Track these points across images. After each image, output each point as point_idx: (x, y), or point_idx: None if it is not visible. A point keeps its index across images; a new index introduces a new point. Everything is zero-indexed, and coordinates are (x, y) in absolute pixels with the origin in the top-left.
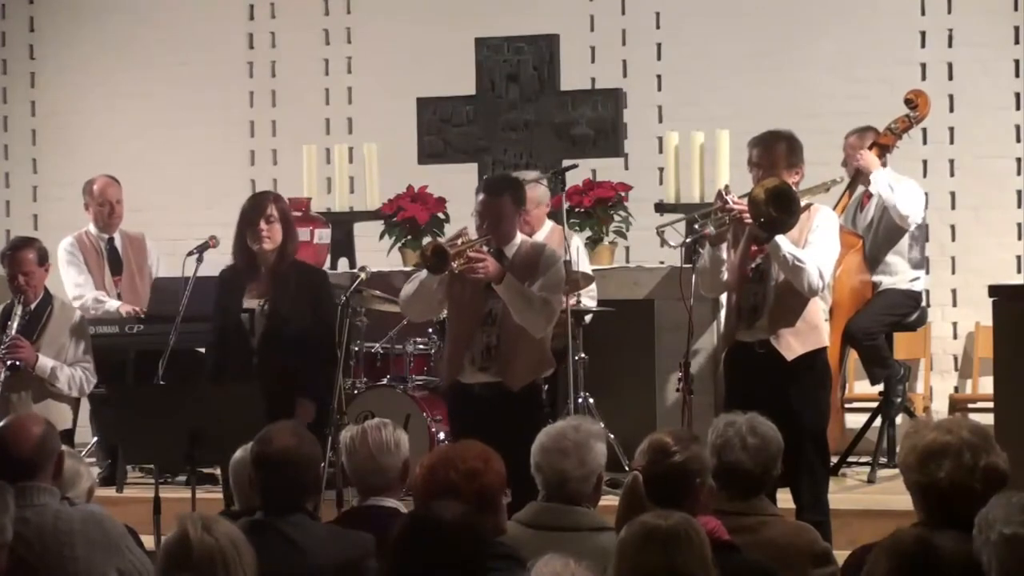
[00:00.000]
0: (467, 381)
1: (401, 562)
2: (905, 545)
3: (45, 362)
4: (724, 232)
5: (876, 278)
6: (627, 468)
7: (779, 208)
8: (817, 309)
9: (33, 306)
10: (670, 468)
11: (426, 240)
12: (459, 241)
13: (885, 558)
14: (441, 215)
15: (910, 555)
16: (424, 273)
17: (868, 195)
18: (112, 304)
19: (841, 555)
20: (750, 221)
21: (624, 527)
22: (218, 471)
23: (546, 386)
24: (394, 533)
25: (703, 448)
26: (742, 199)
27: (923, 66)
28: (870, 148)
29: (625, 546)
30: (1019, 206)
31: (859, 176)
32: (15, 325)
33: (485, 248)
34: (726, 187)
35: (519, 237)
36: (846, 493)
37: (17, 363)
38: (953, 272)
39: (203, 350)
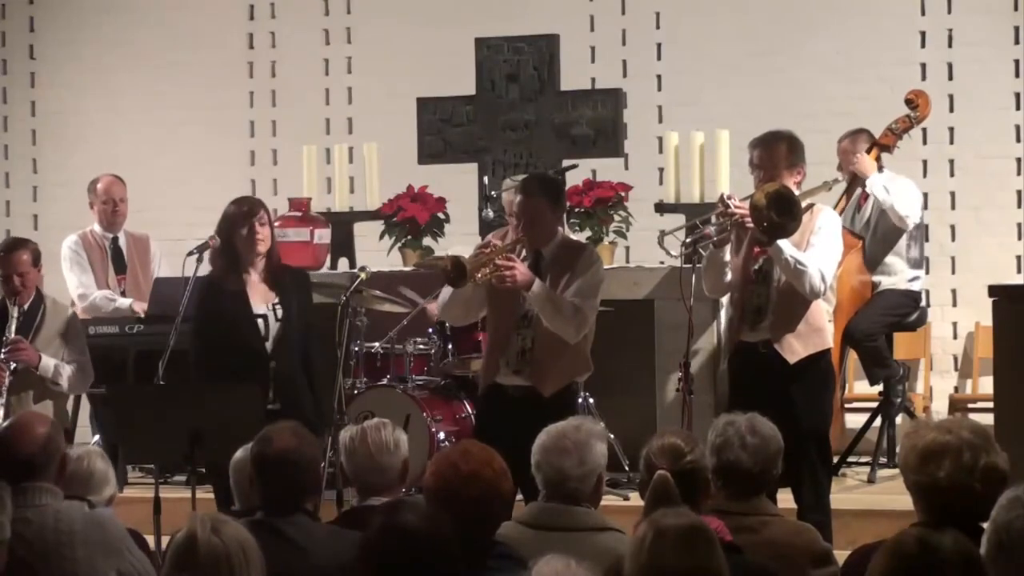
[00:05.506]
0: (502, 383)
1: (370, 568)
2: (906, 546)
3: (48, 362)
4: (727, 235)
5: (875, 278)
6: (627, 468)
7: (781, 212)
8: (820, 311)
9: (26, 307)
10: (688, 467)
11: (426, 241)
12: (488, 249)
13: (885, 558)
14: (441, 215)
15: (910, 555)
16: None
17: (865, 196)
18: (124, 302)
19: (841, 555)
20: (752, 226)
21: (638, 526)
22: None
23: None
24: (362, 539)
25: (704, 446)
26: (744, 202)
27: (923, 66)
28: (870, 149)
29: (639, 545)
30: (1019, 206)
31: (858, 177)
32: (13, 326)
33: (517, 252)
34: (725, 194)
35: (559, 235)
36: (846, 493)
37: (17, 364)
38: (953, 272)
39: None
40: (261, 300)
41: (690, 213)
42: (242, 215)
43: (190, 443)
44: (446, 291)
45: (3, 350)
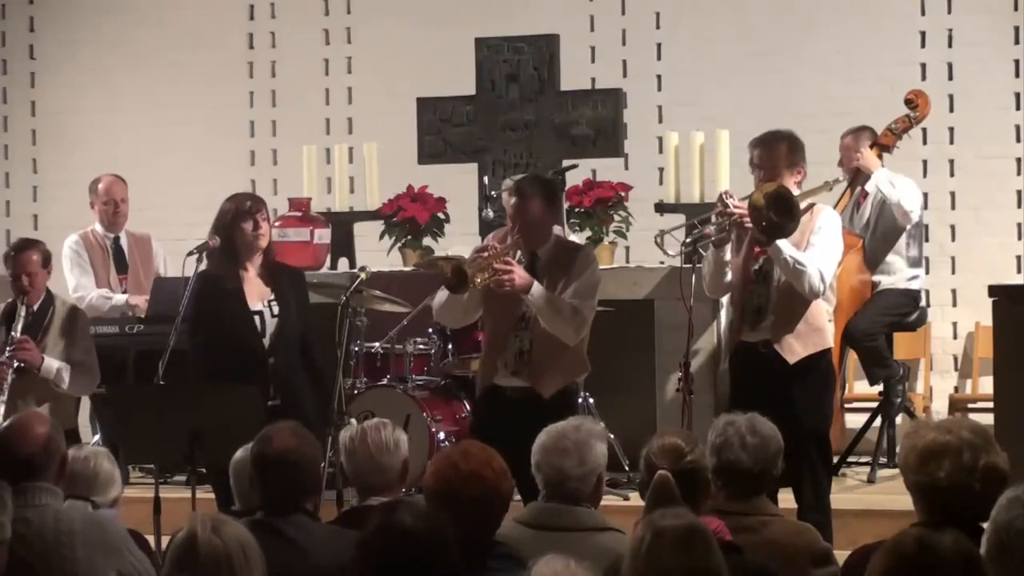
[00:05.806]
0: (500, 384)
1: (368, 568)
2: (906, 546)
3: (51, 363)
4: (726, 235)
5: (875, 278)
6: (627, 468)
7: (779, 212)
8: (820, 311)
9: (35, 307)
10: (688, 467)
11: (426, 241)
12: (486, 253)
13: (885, 558)
14: (441, 215)
15: (910, 555)
16: None
17: (864, 195)
18: (119, 298)
19: (841, 555)
20: (750, 225)
21: (637, 526)
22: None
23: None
24: (360, 539)
25: (704, 446)
26: (743, 201)
27: (923, 66)
28: (871, 148)
29: (637, 546)
30: (1019, 206)
31: (859, 176)
32: (19, 326)
33: (513, 254)
34: (727, 192)
35: (555, 236)
36: (846, 493)
37: (22, 364)
38: (953, 272)
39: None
40: (257, 297)
41: (690, 213)
42: (245, 211)
43: (190, 443)
44: (440, 295)
45: (8, 348)
